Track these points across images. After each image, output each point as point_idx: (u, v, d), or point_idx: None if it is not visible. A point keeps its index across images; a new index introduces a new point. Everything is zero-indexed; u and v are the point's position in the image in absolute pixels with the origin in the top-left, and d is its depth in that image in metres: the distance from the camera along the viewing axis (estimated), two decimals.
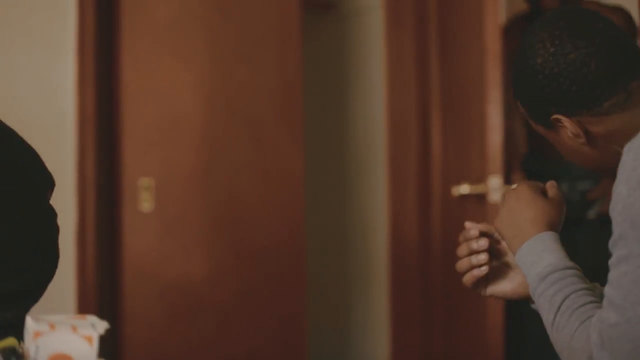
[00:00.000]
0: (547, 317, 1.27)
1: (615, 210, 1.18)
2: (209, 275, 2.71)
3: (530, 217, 1.34)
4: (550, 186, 1.40)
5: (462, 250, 1.42)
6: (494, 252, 1.43)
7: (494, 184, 2.32)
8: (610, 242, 1.19)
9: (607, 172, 1.34)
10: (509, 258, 1.41)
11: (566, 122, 1.30)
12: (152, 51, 2.71)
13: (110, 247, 2.70)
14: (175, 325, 2.69)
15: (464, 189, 2.42)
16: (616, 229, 1.17)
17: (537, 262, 1.30)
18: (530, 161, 2.91)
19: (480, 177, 2.40)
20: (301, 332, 2.79)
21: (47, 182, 1.38)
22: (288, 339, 2.78)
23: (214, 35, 2.70)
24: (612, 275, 1.18)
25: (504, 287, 1.42)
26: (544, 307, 1.27)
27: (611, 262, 1.18)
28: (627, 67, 1.28)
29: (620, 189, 1.18)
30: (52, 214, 1.36)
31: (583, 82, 1.27)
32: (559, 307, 1.25)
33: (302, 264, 2.83)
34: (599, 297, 1.22)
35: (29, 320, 1.02)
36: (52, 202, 1.37)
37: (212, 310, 2.71)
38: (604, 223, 1.66)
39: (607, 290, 1.18)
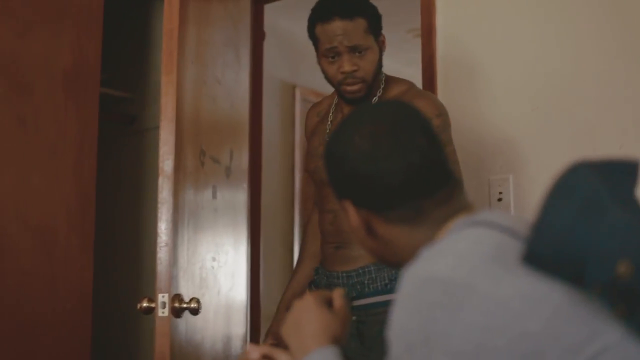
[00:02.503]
0: None
1: (393, 332, 1.16)
2: None
3: (313, 331, 1.35)
4: (337, 296, 1.42)
5: None
6: None
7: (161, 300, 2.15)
8: None
9: (385, 263, 1.35)
10: None
11: (351, 210, 1.31)
12: None
13: None
14: None
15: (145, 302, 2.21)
16: (392, 350, 1.16)
17: None
18: None
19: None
20: None
21: None
22: None
23: (10, 143, 2.68)
24: None
25: None
26: None
27: None
28: (425, 189, 1.26)
29: (398, 312, 1.15)
30: None
31: (379, 190, 1.25)
32: None
33: None
34: None
35: None
36: None
37: None
38: None
39: None
